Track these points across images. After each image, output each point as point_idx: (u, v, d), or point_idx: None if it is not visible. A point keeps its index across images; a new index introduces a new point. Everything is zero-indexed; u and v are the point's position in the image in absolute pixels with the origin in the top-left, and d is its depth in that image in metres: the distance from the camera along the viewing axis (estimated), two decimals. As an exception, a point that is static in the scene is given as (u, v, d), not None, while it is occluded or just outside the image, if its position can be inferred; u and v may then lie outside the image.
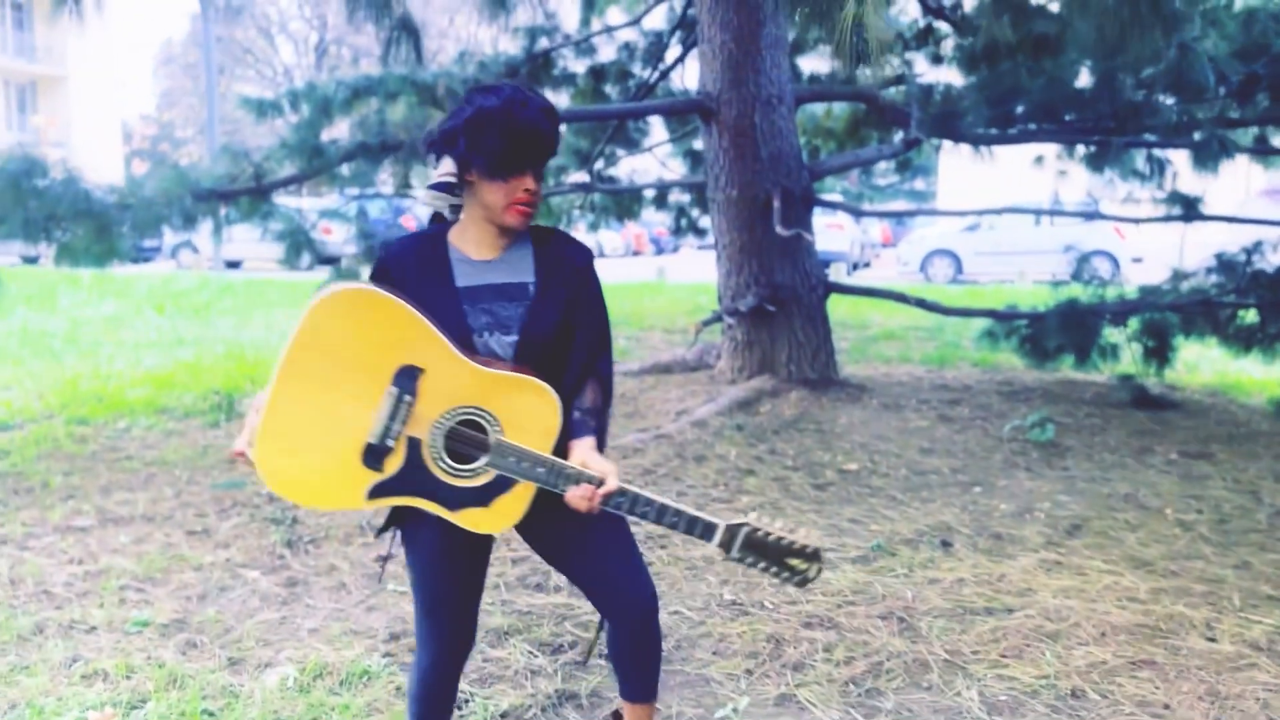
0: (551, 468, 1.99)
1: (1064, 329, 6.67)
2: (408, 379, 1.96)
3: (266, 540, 4.35)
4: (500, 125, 1.94)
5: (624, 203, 10.74)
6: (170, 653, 3.31)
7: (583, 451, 2.05)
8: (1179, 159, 7.46)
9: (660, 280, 16.67)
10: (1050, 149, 9.06)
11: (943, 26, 8.57)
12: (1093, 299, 6.92)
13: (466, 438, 2.00)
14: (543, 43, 8.93)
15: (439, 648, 2.27)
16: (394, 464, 1.98)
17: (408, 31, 6.16)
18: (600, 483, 1.99)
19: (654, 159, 10.89)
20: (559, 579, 3.88)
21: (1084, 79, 6.10)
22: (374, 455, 1.97)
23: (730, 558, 2.04)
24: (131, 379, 7.85)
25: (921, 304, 6.93)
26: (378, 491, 2.00)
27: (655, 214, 12.05)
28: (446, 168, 2.07)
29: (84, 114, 39.24)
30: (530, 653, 3.30)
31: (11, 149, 6.12)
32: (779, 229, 6.15)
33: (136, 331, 10.48)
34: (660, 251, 31.61)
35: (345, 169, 6.60)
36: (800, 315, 6.67)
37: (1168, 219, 6.82)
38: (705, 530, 2.03)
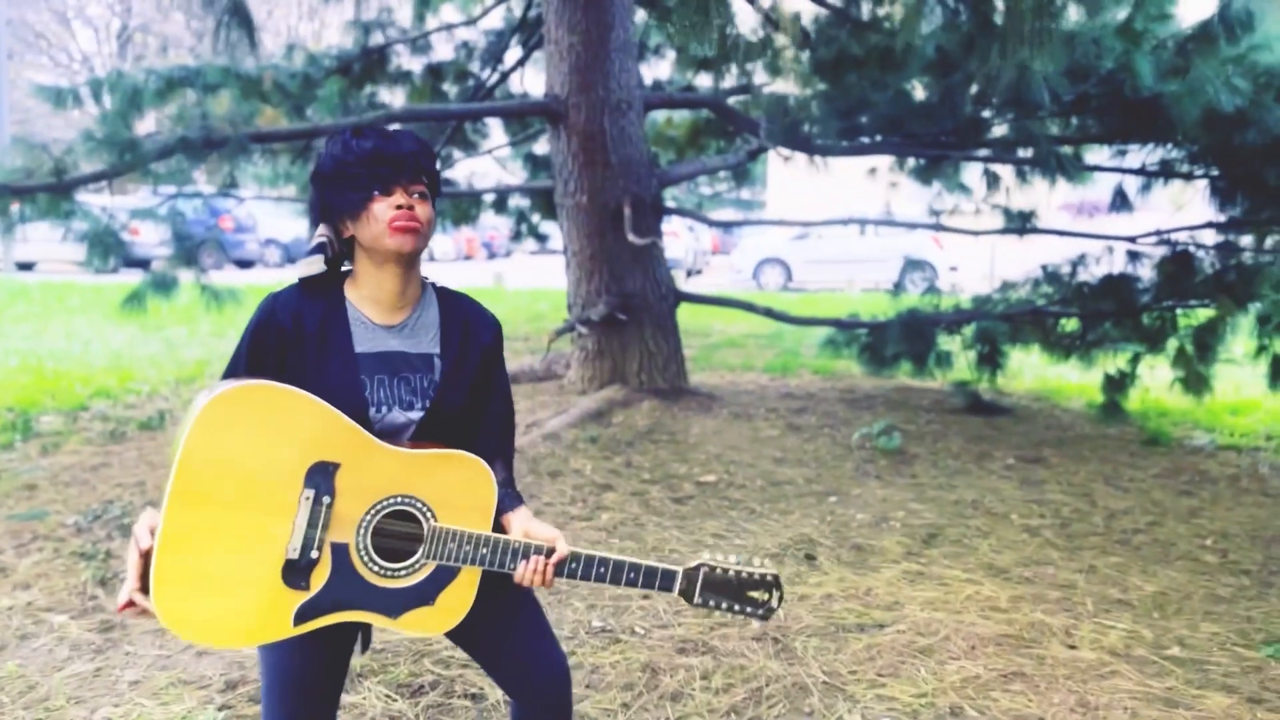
0: (495, 546, 1.80)
1: (904, 338, 6.83)
2: (322, 477, 1.72)
3: (75, 579, 3.88)
4: (340, 159, 1.80)
5: (462, 207, 10.41)
6: (-39, 718, 2.86)
7: (522, 522, 1.87)
8: (1005, 174, 7.81)
9: (499, 286, 16.34)
10: (884, 161, 9.33)
11: (780, 38, 8.69)
12: (930, 308, 7.12)
13: (396, 532, 1.78)
14: (377, 37, 8.54)
15: None
16: (320, 577, 1.73)
17: (239, 18, 5.69)
18: (550, 551, 1.82)
19: (493, 162, 10.62)
20: (414, 611, 3.60)
21: (921, 94, 6.25)
22: (297, 572, 1.72)
23: (695, 604, 1.89)
24: (-93, 395, 6.99)
25: (770, 313, 6.96)
26: (305, 613, 1.73)
27: (494, 218, 11.76)
28: (321, 232, 1.88)
29: None
30: (388, 696, 3.03)
31: None
32: (632, 237, 6.03)
33: (-88, 341, 9.40)
34: (493, 256, 31.15)
35: (161, 166, 6.07)
36: (651, 324, 6.57)
37: (1004, 231, 7.08)
38: (664, 580, 1.86)
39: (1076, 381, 8.34)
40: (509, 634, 1.97)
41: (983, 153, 6.57)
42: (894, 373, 7.71)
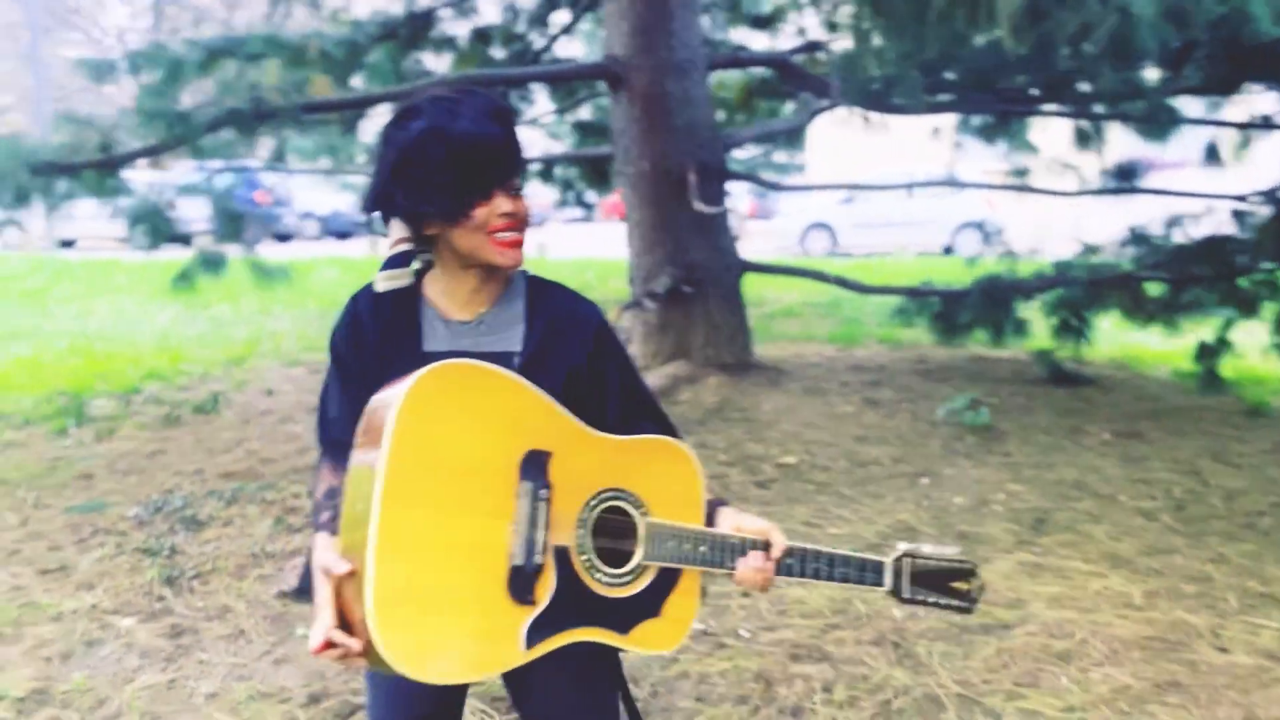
0: (714, 543, 1.58)
1: (983, 305, 6.49)
2: (536, 468, 1.46)
3: (141, 578, 3.69)
4: (434, 154, 1.48)
5: (507, 175, 10.13)
6: (30, 739, 2.67)
7: (732, 515, 1.63)
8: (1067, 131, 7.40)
9: (541, 257, 16.06)
10: (947, 120, 8.92)
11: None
12: (1009, 274, 6.76)
13: (612, 530, 1.55)
14: (421, 1, 8.22)
15: None
16: (545, 589, 1.47)
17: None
18: (767, 545, 1.59)
19: (539, 130, 10.31)
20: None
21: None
22: (522, 583, 1.45)
23: (903, 600, 1.67)
24: (-43, 380, 6.86)
25: (843, 283, 6.64)
26: (536, 633, 1.45)
27: (535, 187, 11.47)
28: (396, 233, 1.59)
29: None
30: (484, 711, 2.80)
31: None
32: (699, 205, 5.72)
33: (-41, 323, 9.30)
34: (528, 225, 30.80)
35: (210, 139, 5.83)
36: (716, 296, 6.28)
37: (1100, 191, 6.69)
38: (874, 575, 1.65)
39: (1158, 348, 7.94)
40: (561, 707, 1.68)
41: (1065, 108, 6.19)
42: (966, 342, 7.38)
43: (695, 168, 6.00)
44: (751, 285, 11.40)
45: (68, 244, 20.32)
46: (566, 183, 10.70)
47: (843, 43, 7.01)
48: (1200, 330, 6.63)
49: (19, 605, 3.47)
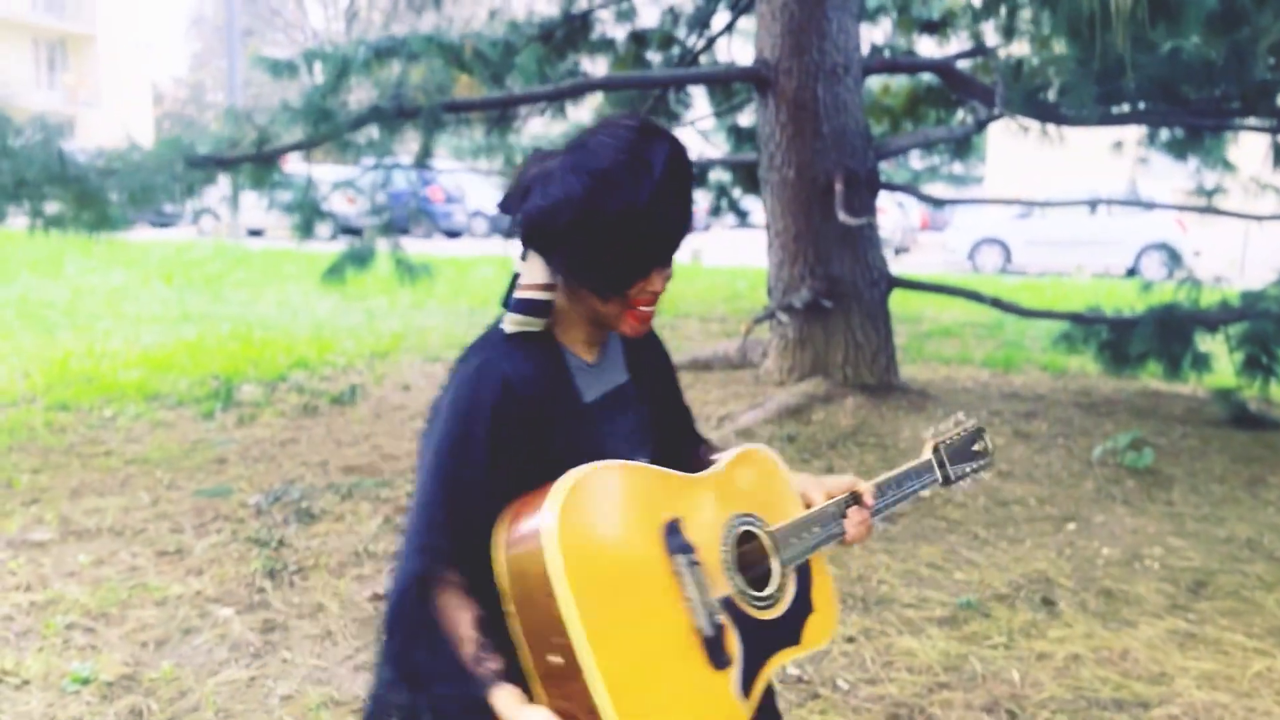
0: (819, 520, 1.63)
1: (1158, 336, 5.93)
2: (677, 537, 1.43)
3: (247, 568, 3.73)
4: (622, 226, 1.32)
5: (660, 180, 10.03)
6: (109, 725, 2.69)
7: (815, 484, 1.68)
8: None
9: (695, 263, 15.95)
10: (1131, 134, 8.28)
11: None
12: (1188, 303, 6.16)
13: (748, 558, 1.55)
14: (580, 3, 8.21)
15: None
16: (732, 643, 1.45)
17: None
18: (858, 497, 1.66)
19: (694, 134, 10.16)
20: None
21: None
22: (716, 648, 1.43)
23: (952, 482, 1.86)
24: (126, 359, 7.26)
25: (998, 304, 6.20)
26: (744, 685, 1.45)
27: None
28: (537, 274, 1.43)
29: (114, 75, 38.79)
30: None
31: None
32: (842, 215, 5.44)
33: (140, 304, 9.90)
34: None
35: (359, 136, 5.94)
36: (859, 312, 5.96)
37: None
38: (928, 476, 1.83)
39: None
40: None
41: (1263, 121, 5.57)
42: (1138, 374, 6.79)
43: (842, 176, 5.71)
44: (909, 302, 10.97)
45: (256, 233, 21.56)
46: (721, 189, 10.52)
47: (1014, 49, 6.55)
48: None
49: (130, 586, 3.56)
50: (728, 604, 1.45)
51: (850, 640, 3.22)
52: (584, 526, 1.35)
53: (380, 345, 8.08)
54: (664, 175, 1.33)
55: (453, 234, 23.13)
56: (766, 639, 1.49)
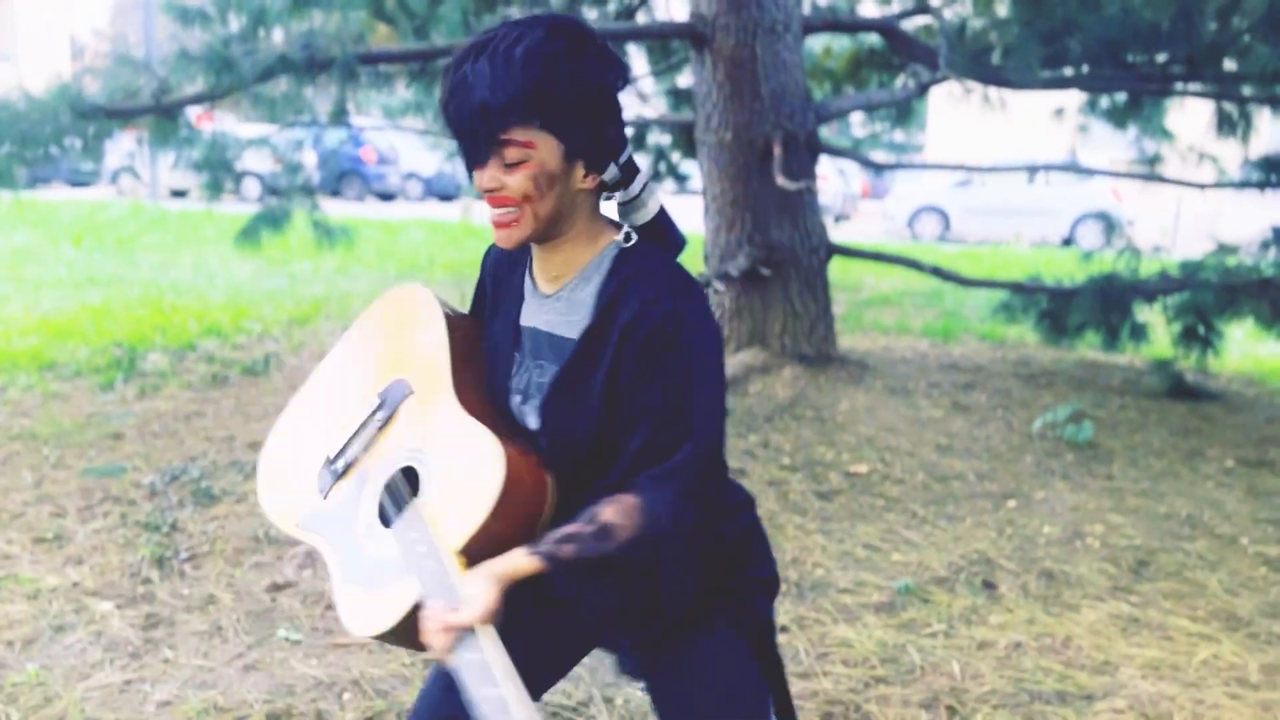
0: (438, 567, 1.27)
1: (1098, 306, 5.82)
2: (395, 395, 1.48)
3: (133, 555, 3.43)
4: (444, 106, 1.31)
5: (597, 142, 9.73)
6: (-42, 739, 2.40)
7: (492, 563, 1.27)
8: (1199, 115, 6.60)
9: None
10: (1071, 101, 8.17)
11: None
12: (1128, 273, 6.06)
13: (397, 491, 1.42)
14: (512, -46, 7.83)
15: None
16: (337, 495, 1.47)
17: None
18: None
19: (632, 95, 9.86)
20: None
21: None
22: (327, 474, 1.50)
23: None
24: (23, 326, 6.81)
25: (938, 273, 6.05)
26: (306, 522, 1.50)
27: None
28: None
29: (30, 26, 37.07)
30: (454, 752, 2.42)
31: None
32: (781, 180, 5.21)
33: (44, 267, 9.35)
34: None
35: (271, 89, 5.56)
36: (798, 280, 5.76)
37: (1245, 185, 5.93)
38: None
39: (1295, 363, 7.14)
40: (680, 691, 1.48)
41: (1207, 88, 5.44)
42: (1076, 344, 6.71)
43: (781, 139, 5.48)
44: (848, 270, 10.82)
45: (180, 194, 20.74)
46: (659, 152, 10.25)
47: (958, 8, 6.36)
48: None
49: (0, 577, 3.25)
50: (361, 477, 1.45)
51: (784, 630, 3.03)
52: (370, 322, 1.63)
53: (300, 311, 7.70)
54: (473, 47, 1.28)
55: (386, 196, 22.51)
56: (342, 536, 1.45)
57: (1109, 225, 6.77)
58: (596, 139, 1.32)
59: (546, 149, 1.29)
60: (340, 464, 1.48)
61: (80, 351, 6.21)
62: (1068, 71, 5.27)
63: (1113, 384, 6.26)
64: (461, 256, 11.43)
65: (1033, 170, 8.04)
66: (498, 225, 1.33)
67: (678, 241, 1.46)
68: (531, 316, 1.44)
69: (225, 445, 4.63)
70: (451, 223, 15.18)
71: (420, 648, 1.30)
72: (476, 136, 1.28)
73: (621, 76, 1.33)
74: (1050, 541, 3.81)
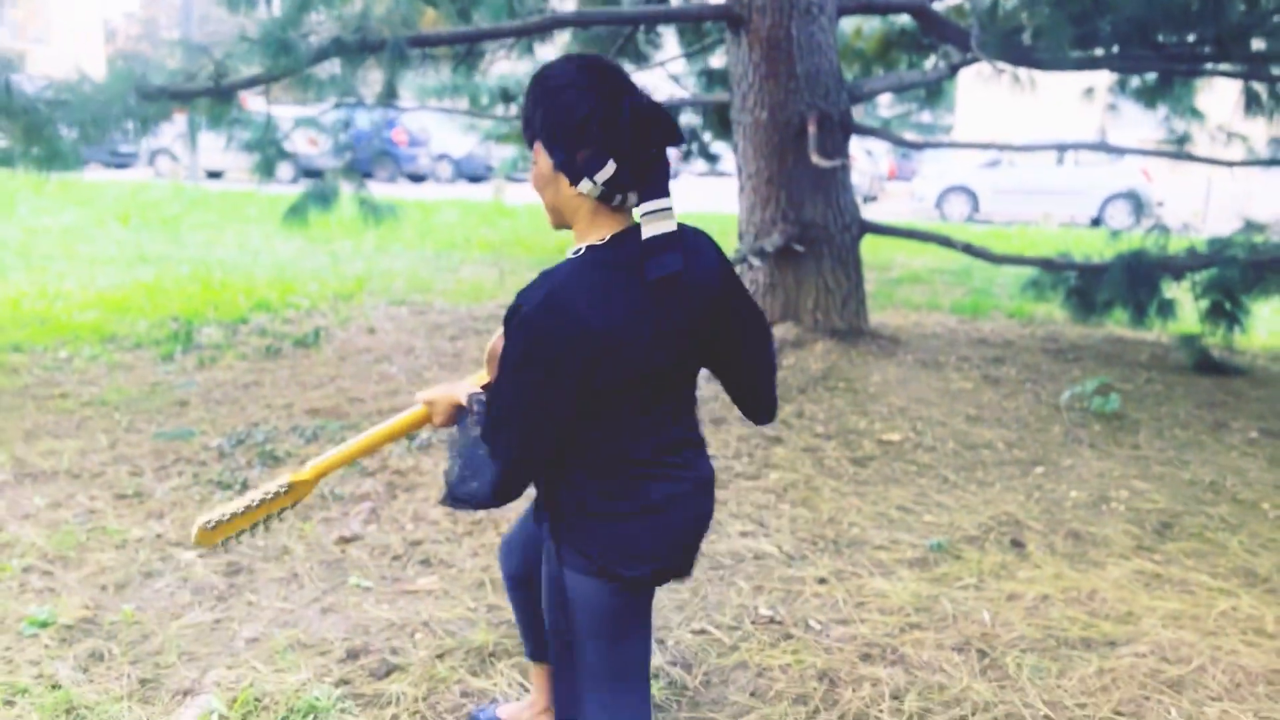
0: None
1: (1126, 283, 5.94)
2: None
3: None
4: (592, 108, 1.68)
5: (630, 122, 9.87)
6: (69, 668, 2.63)
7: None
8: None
9: (663, 208, 15.76)
10: (1101, 81, 8.25)
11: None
12: (1156, 250, 6.17)
13: None
14: (549, -62, 7.98)
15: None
16: None
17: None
18: None
19: (664, 77, 9.99)
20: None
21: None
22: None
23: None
24: (82, 300, 7.08)
25: (969, 250, 6.18)
26: None
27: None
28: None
29: (64, 10, 37.51)
30: (521, 684, 2.63)
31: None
32: (816, 158, 5.36)
33: (95, 245, 9.64)
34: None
35: (320, 71, 5.77)
36: (831, 257, 5.92)
37: (1269, 163, 6.02)
38: None
39: (1323, 340, 7.21)
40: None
41: (1236, 67, 5.53)
42: (1103, 321, 6.82)
43: (815, 118, 5.63)
44: (879, 248, 10.95)
45: (215, 175, 21.08)
46: (691, 132, 10.39)
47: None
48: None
49: (88, 529, 3.48)
50: None
51: (822, 582, 3.22)
52: None
53: (344, 288, 7.93)
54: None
55: (417, 178, 22.75)
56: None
57: (1138, 205, 6.88)
58: (569, 159, 1.63)
59: (543, 159, 1.68)
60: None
61: (139, 325, 6.47)
62: (1098, 52, 5.37)
63: (1140, 359, 6.38)
64: (496, 235, 11.64)
65: (1062, 149, 8.10)
66: None
67: (650, 269, 1.64)
68: None
69: (284, 412, 4.85)
70: (484, 203, 15.39)
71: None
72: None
73: (605, 114, 1.59)
74: (1077, 505, 3.97)
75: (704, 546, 3.46)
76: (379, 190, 7.05)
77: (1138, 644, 2.87)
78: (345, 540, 3.48)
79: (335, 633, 2.86)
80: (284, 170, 6.88)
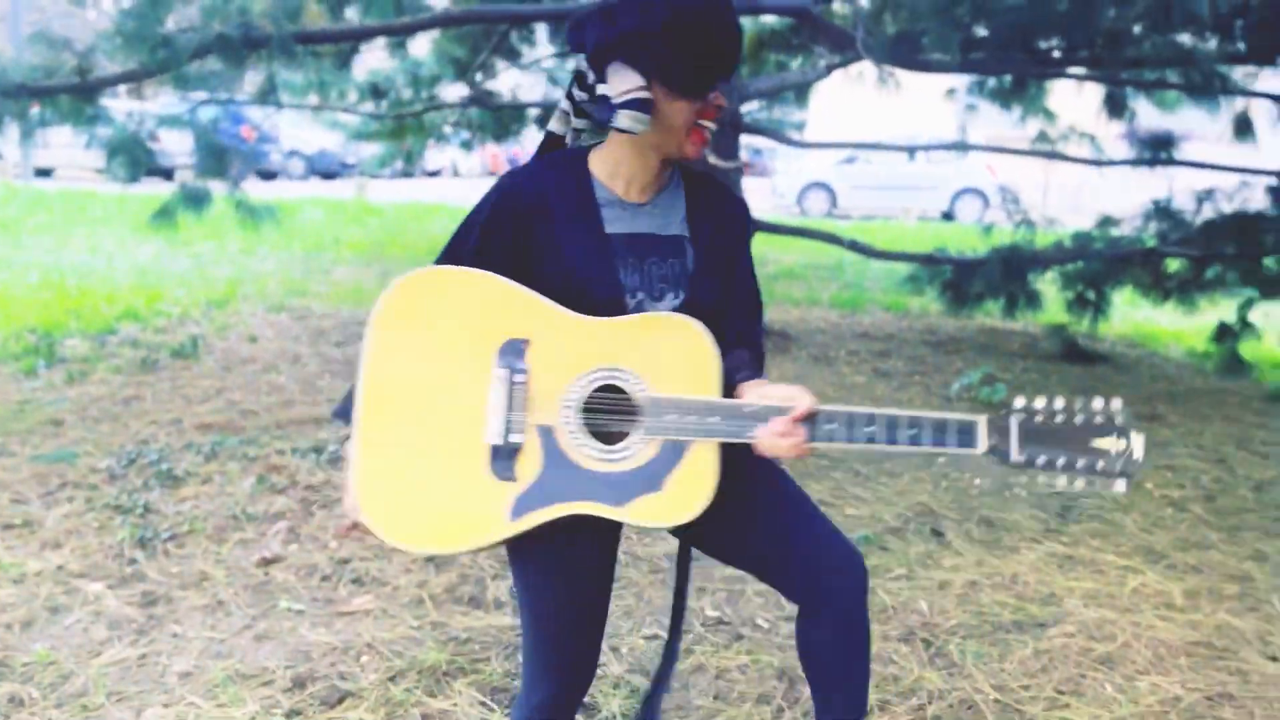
0: (726, 412, 1.55)
1: (1000, 275, 6.25)
2: (513, 355, 1.58)
3: (111, 538, 3.43)
4: (710, 27, 1.58)
5: (504, 120, 9.77)
6: (-16, 719, 2.42)
7: (756, 387, 1.62)
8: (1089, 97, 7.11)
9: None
10: (962, 80, 8.62)
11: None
12: (1026, 245, 6.52)
13: (608, 407, 1.59)
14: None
15: (558, 683, 1.78)
16: (530, 467, 1.57)
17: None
18: (783, 410, 1.52)
19: (540, 75, 9.92)
20: (499, 590, 3.14)
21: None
22: (502, 461, 1.57)
23: (1014, 465, 1.47)
24: (-79, 313, 6.52)
25: (855, 246, 6.38)
26: (522, 507, 1.57)
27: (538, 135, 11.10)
28: (632, 82, 1.59)
29: None
30: (482, 703, 2.57)
31: None
32: (714, 159, 5.43)
33: (-73, 252, 8.90)
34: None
35: (195, 67, 5.47)
36: (726, 256, 5.99)
37: (1135, 162, 6.43)
38: (963, 435, 1.48)
39: (1170, 326, 7.76)
40: (776, 524, 1.71)
41: (1097, 72, 5.88)
42: (975, 313, 7.16)
43: (709, 119, 5.68)
44: (755, 246, 11.11)
45: (44, 173, 19.75)
46: (576, 131, 10.34)
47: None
48: (1217, 310, 6.44)
49: (-22, 564, 3.21)
50: (545, 432, 1.57)
51: (761, 581, 3.25)
52: (406, 319, 1.57)
53: (216, 294, 7.56)
54: (718, 8, 1.60)
55: (268, 175, 21.89)
56: (578, 484, 1.56)
57: (985, 200, 7.24)
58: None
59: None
60: (513, 438, 1.57)
61: (-9, 338, 6.00)
62: (975, 55, 5.62)
63: (1013, 348, 6.73)
64: (365, 235, 11.32)
65: (926, 149, 8.45)
66: (706, 141, 1.67)
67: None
68: (620, 224, 1.68)
69: (173, 428, 4.60)
70: (348, 201, 14.94)
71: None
72: (734, 65, 1.66)
73: None
74: (983, 492, 4.15)
75: (640, 550, 3.47)
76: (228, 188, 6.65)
77: (1065, 624, 3.02)
78: (267, 562, 3.32)
79: (275, 660, 2.73)
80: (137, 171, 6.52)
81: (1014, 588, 3.27)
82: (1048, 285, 6.80)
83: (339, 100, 9.04)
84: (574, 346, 1.58)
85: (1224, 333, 6.16)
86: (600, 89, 1.62)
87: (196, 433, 4.53)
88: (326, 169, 22.96)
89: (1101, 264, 6.32)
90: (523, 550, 1.69)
